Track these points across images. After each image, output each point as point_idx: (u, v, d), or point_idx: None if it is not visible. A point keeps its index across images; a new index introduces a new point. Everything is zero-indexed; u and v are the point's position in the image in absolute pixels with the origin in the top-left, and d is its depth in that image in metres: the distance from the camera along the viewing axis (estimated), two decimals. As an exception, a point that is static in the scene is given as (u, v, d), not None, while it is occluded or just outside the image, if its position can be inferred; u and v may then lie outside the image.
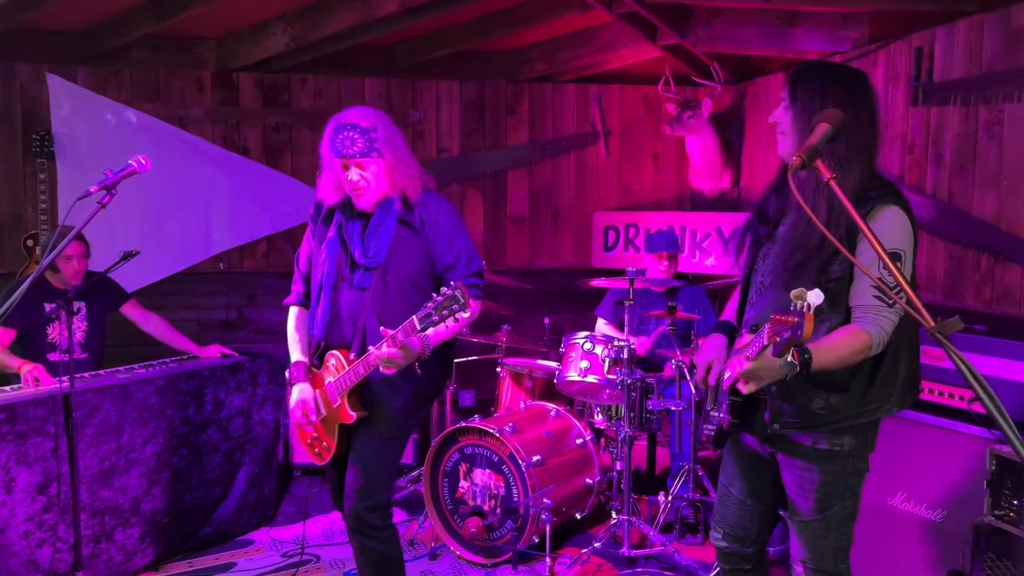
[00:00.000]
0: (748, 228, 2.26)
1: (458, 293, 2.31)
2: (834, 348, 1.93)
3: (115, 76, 5.07)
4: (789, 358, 1.72)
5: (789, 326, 1.66)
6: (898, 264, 1.92)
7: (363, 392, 2.66)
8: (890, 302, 1.91)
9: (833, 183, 1.51)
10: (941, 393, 3.03)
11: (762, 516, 2.33)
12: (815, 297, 1.64)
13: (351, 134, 2.56)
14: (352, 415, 2.65)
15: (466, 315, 2.36)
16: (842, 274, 1.98)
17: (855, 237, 1.93)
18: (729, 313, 2.38)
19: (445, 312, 2.32)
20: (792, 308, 1.68)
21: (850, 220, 1.87)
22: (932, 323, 1.29)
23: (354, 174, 2.60)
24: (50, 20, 4.58)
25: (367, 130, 2.57)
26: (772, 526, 2.40)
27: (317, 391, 2.75)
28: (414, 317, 2.37)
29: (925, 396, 3.09)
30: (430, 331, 2.40)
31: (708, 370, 2.26)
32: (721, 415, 2.24)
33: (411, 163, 2.67)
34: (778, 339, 1.70)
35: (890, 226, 1.94)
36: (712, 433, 2.25)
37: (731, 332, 2.31)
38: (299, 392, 2.74)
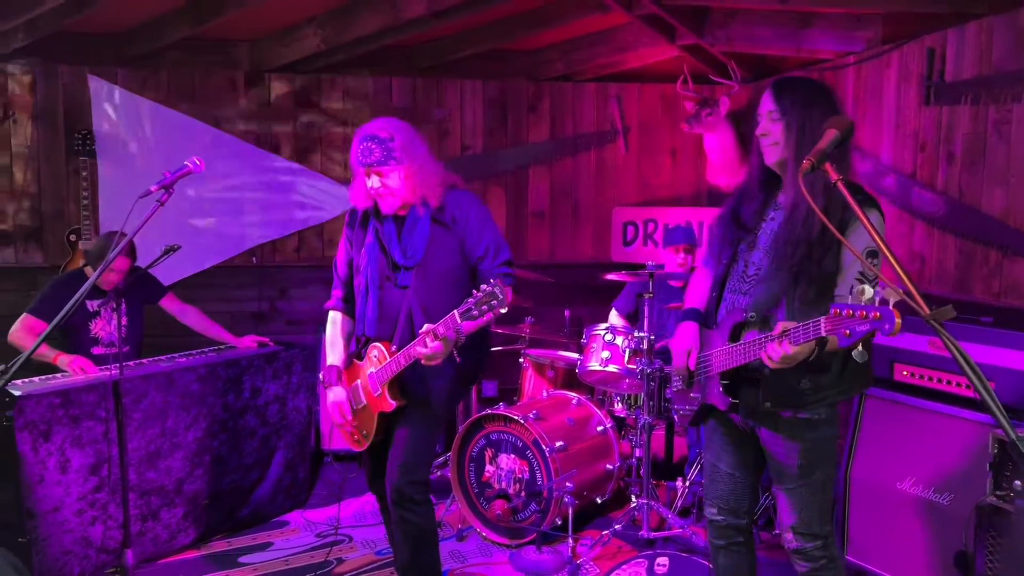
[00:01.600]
0: (721, 229, 2.48)
1: (496, 290, 2.48)
2: None
3: (153, 77, 5.27)
4: (860, 348, 1.83)
5: (866, 320, 1.78)
6: (876, 260, 2.16)
7: (407, 376, 2.83)
8: None
9: (841, 184, 1.67)
10: (949, 382, 3.16)
11: (751, 488, 2.55)
12: (895, 295, 1.74)
13: (370, 144, 2.75)
14: (392, 404, 2.82)
15: (504, 310, 2.53)
16: (833, 268, 2.23)
17: (844, 232, 2.16)
18: (694, 301, 2.59)
19: (484, 307, 2.49)
20: (862, 303, 1.80)
21: (840, 218, 2.15)
22: (928, 311, 1.44)
23: (374, 181, 2.78)
24: (92, 24, 4.77)
25: (384, 140, 2.74)
26: (757, 498, 2.62)
27: (357, 382, 2.93)
28: (455, 312, 2.54)
29: (933, 384, 3.23)
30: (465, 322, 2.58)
31: (688, 355, 2.48)
32: (709, 397, 2.44)
33: (431, 169, 2.84)
34: (847, 332, 1.82)
35: (874, 226, 2.15)
36: (688, 414, 2.46)
37: (699, 319, 2.52)
38: (333, 396, 2.95)
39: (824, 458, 2.38)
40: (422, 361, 2.67)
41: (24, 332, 3.82)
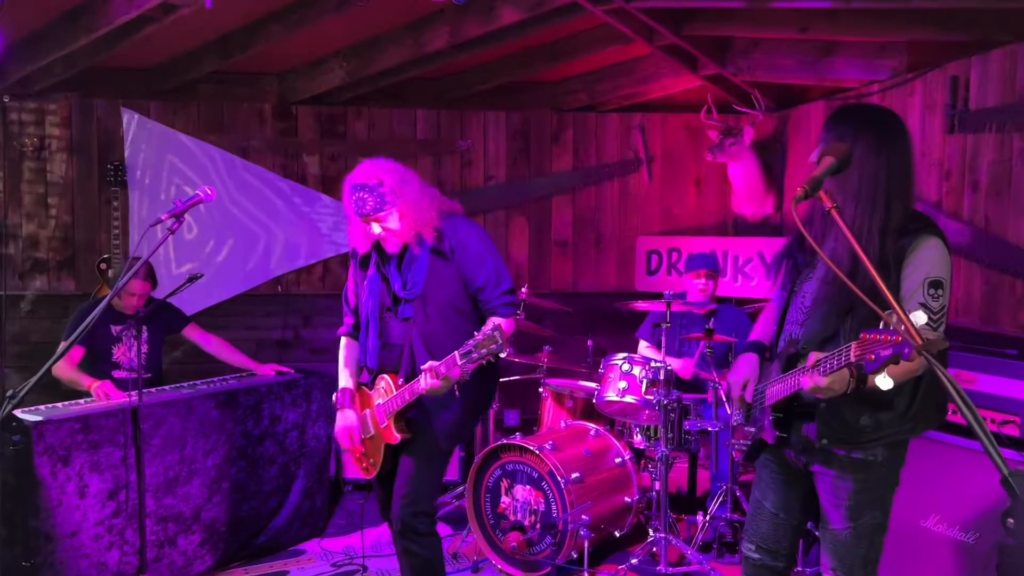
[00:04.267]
0: (787, 254, 2.39)
1: (497, 335, 2.47)
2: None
3: (183, 110, 5.40)
4: (885, 375, 1.78)
5: (889, 344, 1.73)
6: (940, 291, 2.06)
7: (409, 415, 2.84)
8: (936, 325, 2.05)
9: (834, 212, 1.64)
10: (973, 416, 3.07)
11: (793, 530, 2.44)
12: (919, 318, 1.68)
13: (362, 195, 2.71)
14: (397, 437, 2.82)
15: (503, 355, 2.51)
16: (894, 296, 2.06)
17: (900, 261, 2.08)
18: (759, 333, 2.51)
19: (484, 351, 2.49)
20: (889, 327, 1.73)
21: (894, 249, 2.06)
22: (920, 342, 1.40)
23: (375, 228, 2.78)
24: (125, 59, 4.91)
25: (374, 188, 2.70)
26: (799, 542, 2.51)
27: (367, 411, 2.94)
28: (456, 353, 2.54)
29: (958, 419, 3.13)
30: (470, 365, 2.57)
31: (744, 387, 2.39)
32: (761, 430, 2.36)
33: (425, 204, 2.79)
34: (872, 357, 1.77)
35: (933, 255, 2.08)
36: (746, 448, 2.38)
37: (762, 351, 2.43)
38: (343, 419, 2.96)
39: (875, 503, 2.25)
40: (424, 394, 2.68)
41: (61, 361, 3.90)
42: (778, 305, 2.42)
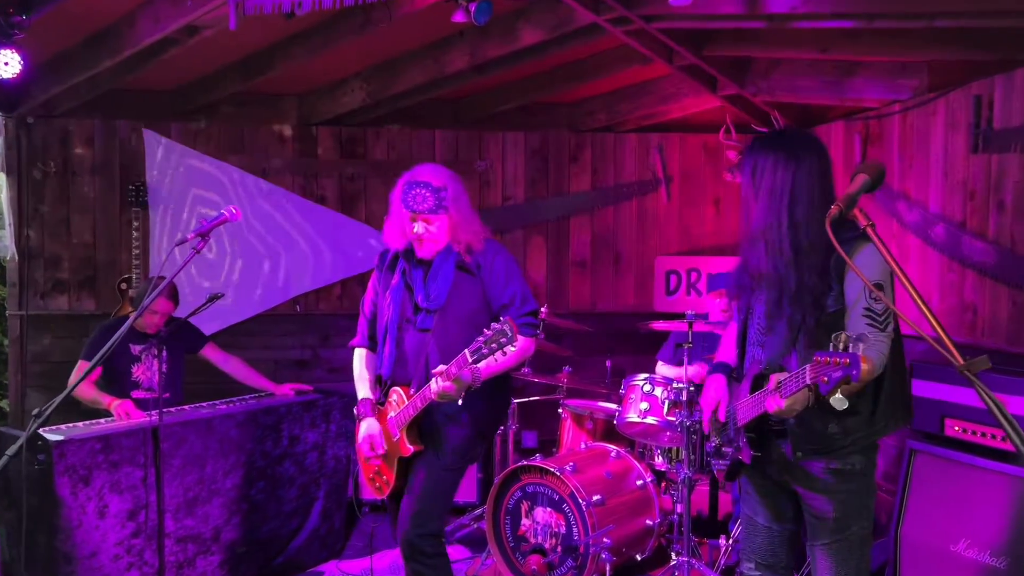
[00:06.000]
0: (735, 279, 2.48)
1: (506, 327, 2.48)
2: None
3: (204, 130, 5.44)
4: (839, 395, 1.87)
5: (839, 367, 1.83)
6: (881, 293, 2.14)
7: (422, 425, 2.82)
8: (881, 327, 2.15)
9: (870, 230, 1.63)
10: (1004, 438, 3.02)
11: (788, 541, 2.48)
12: (862, 339, 1.81)
13: (423, 191, 2.76)
14: (410, 448, 2.81)
15: (513, 348, 2.52)
16: (837, 307, 2.21)
17: (841, 272, 2.19)
18: (724, 354, 2.57)
19: (494, 345, 2.49)
20: (838, 350, 1.84)
21: (834, 261, 2.17)
22: (961, 361, 1.38)
23: (419, 227, 2.80)
24: (148, 80, 4.96)
25: (438, 189, 2.77)
26: (797, 553, 2.54)
27: (379, 427, 2.93)
28: (466, 351, 2.56)
29: (987, 441, 3.09)
30: (481, 364, 2.57)
31: (715, 410, 2.45)
32: (738, 451, 2.40)
33: (474, 219, 2.88)
34: (826, 379, 1.86)
35: (869, 261, 2.16)
36: (724, 468, 2.41)
37: (728, 372, 2.50)
38: (366, 427, 2.93)
39: (860, 512, 2.32)
40: (435, 399, 2.67)
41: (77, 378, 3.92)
42: (738, 327, 2.50)
